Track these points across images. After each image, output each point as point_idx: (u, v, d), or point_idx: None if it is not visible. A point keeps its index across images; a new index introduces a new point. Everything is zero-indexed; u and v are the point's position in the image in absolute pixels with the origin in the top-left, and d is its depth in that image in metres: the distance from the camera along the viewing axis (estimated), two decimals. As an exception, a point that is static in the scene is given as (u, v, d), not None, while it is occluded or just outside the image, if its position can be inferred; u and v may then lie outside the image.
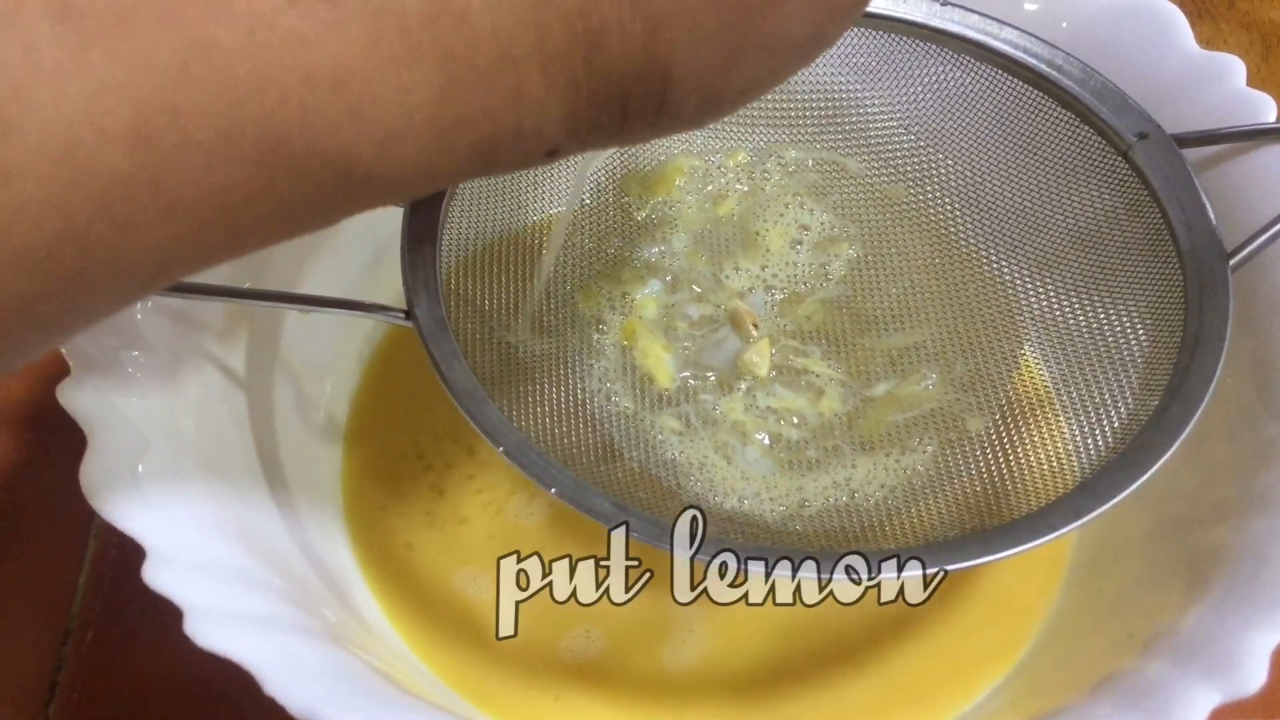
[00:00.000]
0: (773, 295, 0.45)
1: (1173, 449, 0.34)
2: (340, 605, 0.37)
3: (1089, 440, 0.37)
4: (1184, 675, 0.29)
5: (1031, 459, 0.38)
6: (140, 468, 0.34)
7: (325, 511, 0.42)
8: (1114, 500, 0.33)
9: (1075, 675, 0.33)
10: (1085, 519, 0.33)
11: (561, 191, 0.45)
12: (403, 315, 0.37)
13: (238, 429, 0.39)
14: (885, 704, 0.39)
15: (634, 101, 0.24)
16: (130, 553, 0.31)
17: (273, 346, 0.42)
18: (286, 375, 0.43)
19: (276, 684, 0.28)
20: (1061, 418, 0.39)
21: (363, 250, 0.45)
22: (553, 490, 0.33)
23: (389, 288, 0.39)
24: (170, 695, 0.41)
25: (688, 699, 0.39)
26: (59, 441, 0.33)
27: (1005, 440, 0.39)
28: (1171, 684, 0.29)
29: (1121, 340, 0.39)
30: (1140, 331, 0.39)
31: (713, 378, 0.42)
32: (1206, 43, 0.43)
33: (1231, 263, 0.37)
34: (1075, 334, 0.40)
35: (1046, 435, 0.38)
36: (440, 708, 0.30)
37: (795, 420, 0.41)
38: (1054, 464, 0.37)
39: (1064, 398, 0.39)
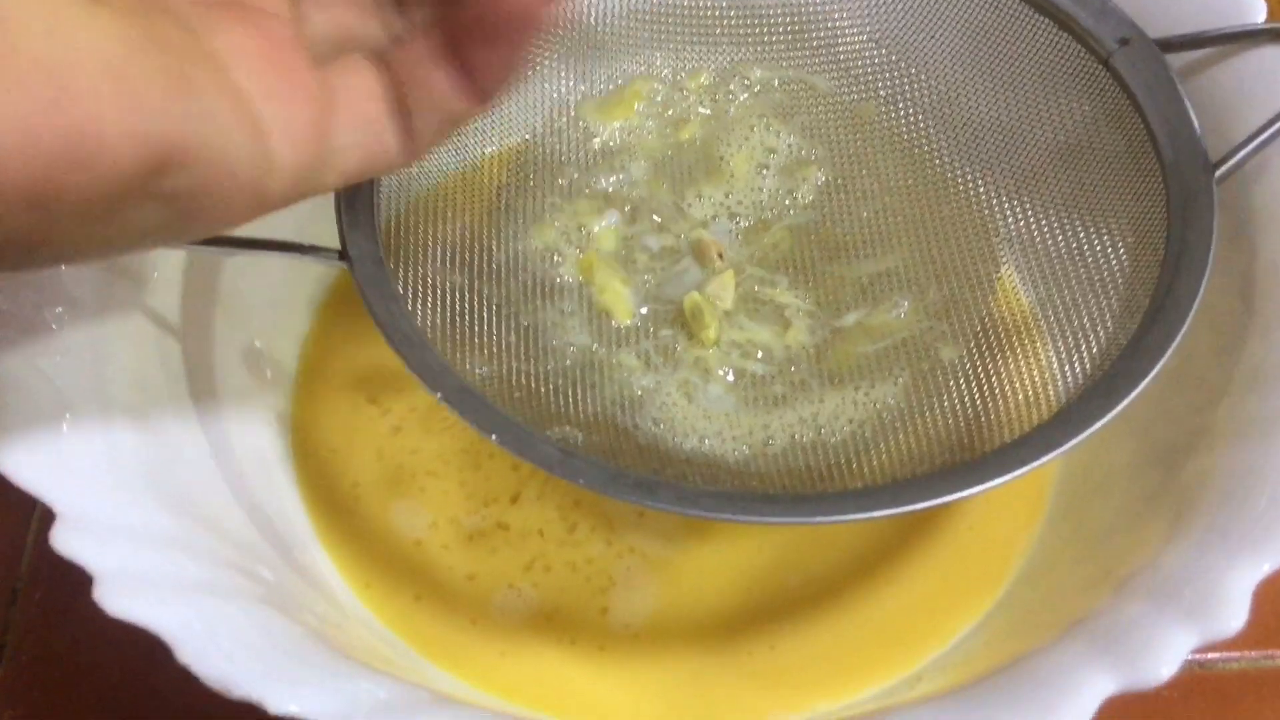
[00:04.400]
0: (737, 223, 0.42)
1: (1152, 374, 0.32)
2: (283, 561, 0.35)
3: (1067, 367, 0.35)
4: (1161, 616, 0.27)
5: (1008, 388, 0.36)
6: (63, 427, 0.32)
7: (271, 463, 0.40)
8: (1090, 430, 0.31)
9: (1052, 616, 0.31)
10: (1060, 450, 0.31)
11: (513, 122, 0.42)
12: (336, 256, 0.35)
13: (174, 383, 0.37)
14: (856, 649, 0.37)
15: None
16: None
17: (210, 293, 0.40)
18: (228, 323, 0.41)
19: (189, 652, 0.26)
20: (1039, 344, 0.37)
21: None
22: (493, 436, 0.32)
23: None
24: (121, 655, 0.39)
25: (643, 650, 0.37)
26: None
27: (980, 369, 0.37)
28: (1148, 625, 0.27)
29: (1102, 260, 0.37)
30: (1121, 250, 0.36)
31: (673, 312, 0.40)
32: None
33: (1217, 174, 0.35)
34: (1053, 255, 0.38)
35: (1024, 363, 0.36)
36: (372, 669, 0.29)
37: (760, 355, 0.39)
38: (1031, 393, 0.35)
39: (1042, 323, 0.37)
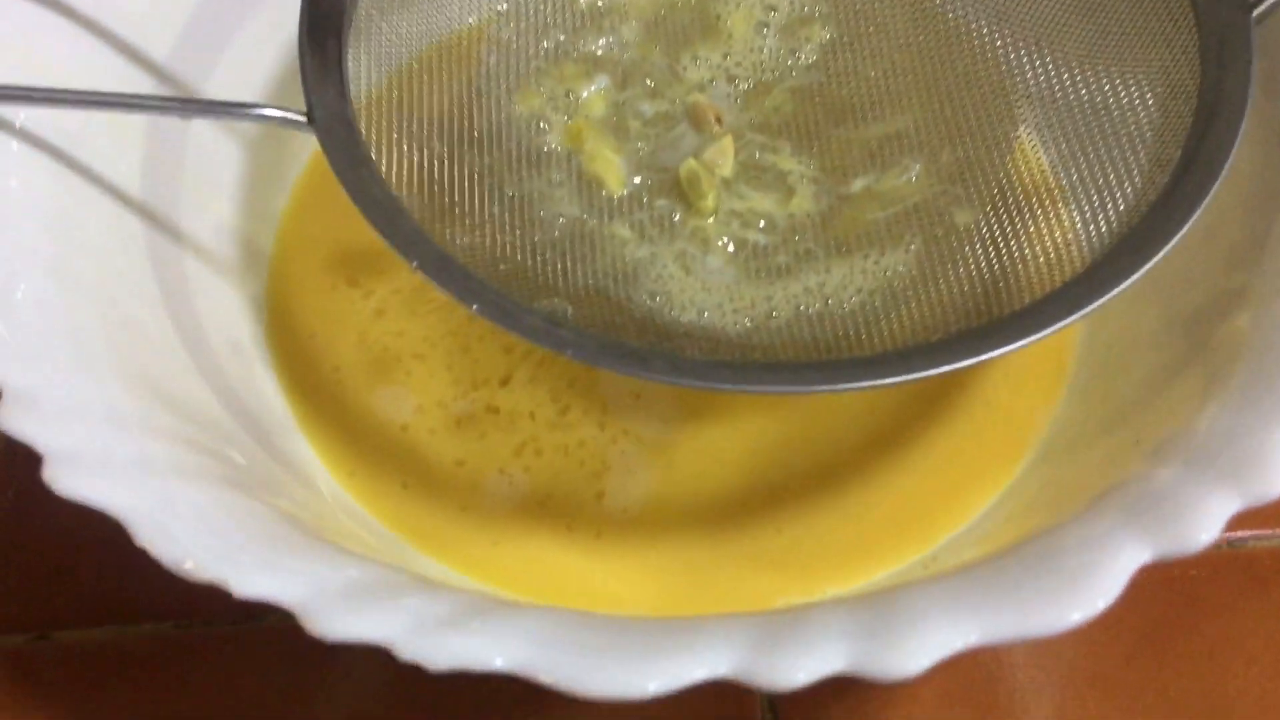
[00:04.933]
0: (736, 86, 0.40)
1: (1186, 227, 0.30)
2: (259, 447, 0.33)
3: (1091, 227, 0.33)
4: (1199, 480, 0.25)
5: (1027, 252, 0.33)
6: (18, 296, 0.30)
7: (246, 347, 0.38)
8: (1118, 288, 0.29)
9: (1077, 488, 0.29)
10: (1083, 311, 0.29)
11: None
12: (302, 118, 0.33)
13: (138, 262, 0.35)
14: (867, 531, 0.35)
15: None
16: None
17: (176, 168, 0.38)
18: (196, 200, 0.38)
19: (146, 533, 0.24)
20: (1061, 205, 0.34)
21: (274, 53, 0.40)
22: (474, 306, 0.29)
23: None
24: (99, 550, 0.37)
25: (642, 536, 0.35)
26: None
27: (998, 233, 0.34)
28: (1184, 490, 0.25)
29: (1129, 113, 0.34)
30: (1150, 101, 0.34)
31: (669, 181, 0.38)
32: None
33: (1255, 13, 0.32)
34: (1076, 110, 0.35)
35: (1044, 225, 0.34)
36: (348, 552, 0.27)
37: (762, 224, 0.37)
38: (1053, 255, 0.33)
39: (1064, 182, 0.35)
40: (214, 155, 0.39)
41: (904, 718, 0.34)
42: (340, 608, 0.23)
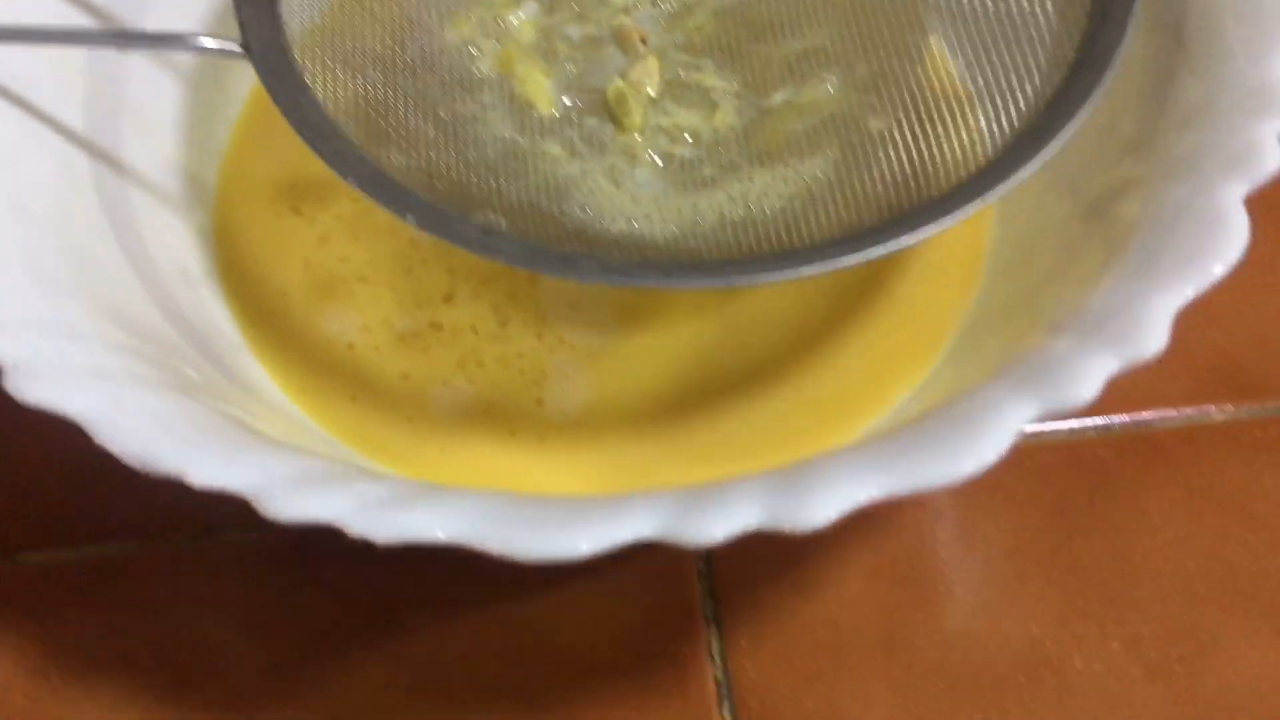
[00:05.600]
0: (660, 9, 0.41)
1: (1078, 118, 0.32)
2: (211, 365, 0.35)
3: (995, 126, 0.34)
4: (1084, 347, 0.27)
5: (936, 153, 0.35)
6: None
7: (195, 276, 0.39)
8: (1016, 176, 0.31)
9: (983, 368, 0.31)
10: (986, 198, 0.31)
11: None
12: (239, 48, 0.34)
13: (86, 196, 0.36)
14: (797, 423, 0.37)
15: None
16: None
17: (117, 104, 0.39)
18: (138, 136, 0.39)
19: (106, 432, 0.26)
20: (968, 108, 0.36)
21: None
22: (410, 218, 0.31)
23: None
24: (62, 474, 0.39)
25: (583, 438, 0.37)
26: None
27: (909, 136, 0.36)
28: (1071, 356, 0.27)
29: (1030, 18, 0.36)
30: (1049, 6, 0.36)
31: (598, 101, 0.39)
32: None
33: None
34: (981, 19, 0.37)
35: (952, 127, 0.36)
36: (301, 449, 0.28)
37: (688, 138, 0.38)
38: (960, 155, 0.35)
39: (970, 86, 0.36)
40: (153, 92, 0.40)
41: (835, 595, 0.36)
42: (292, 492, 0.25)
